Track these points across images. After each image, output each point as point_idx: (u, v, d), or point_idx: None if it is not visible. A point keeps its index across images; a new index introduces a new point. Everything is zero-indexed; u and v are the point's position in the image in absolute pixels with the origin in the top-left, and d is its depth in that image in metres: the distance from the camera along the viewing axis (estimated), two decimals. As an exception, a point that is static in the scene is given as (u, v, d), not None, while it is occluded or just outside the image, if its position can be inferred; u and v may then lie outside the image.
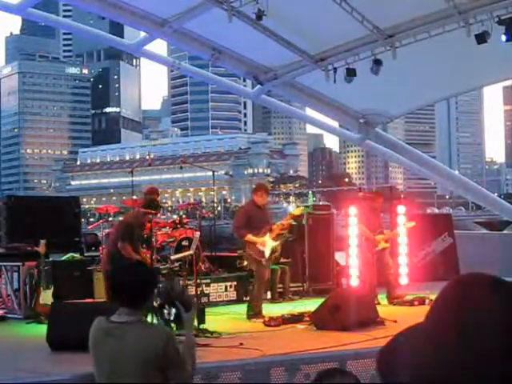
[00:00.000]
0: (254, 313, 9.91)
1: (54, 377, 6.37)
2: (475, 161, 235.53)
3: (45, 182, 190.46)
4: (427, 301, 10.55)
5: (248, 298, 10.63)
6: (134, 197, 13.62)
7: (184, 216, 13.92)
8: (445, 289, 1.17)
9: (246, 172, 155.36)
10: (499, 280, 1.15)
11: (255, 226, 10.07)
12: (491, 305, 1.10)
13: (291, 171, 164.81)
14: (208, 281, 11.57)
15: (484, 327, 1.09)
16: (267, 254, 10.08)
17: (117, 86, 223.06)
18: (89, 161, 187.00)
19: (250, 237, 9.95)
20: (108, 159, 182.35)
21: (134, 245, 9.07)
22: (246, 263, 11.63)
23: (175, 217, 20.48)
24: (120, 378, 3.88)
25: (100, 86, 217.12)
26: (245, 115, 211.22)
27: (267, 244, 10.07)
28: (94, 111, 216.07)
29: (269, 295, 11.26)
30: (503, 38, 9.18)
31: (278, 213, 66.66)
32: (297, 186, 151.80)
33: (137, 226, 9.36)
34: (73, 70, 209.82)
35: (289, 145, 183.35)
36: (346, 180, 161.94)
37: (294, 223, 12.23)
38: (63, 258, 11.94)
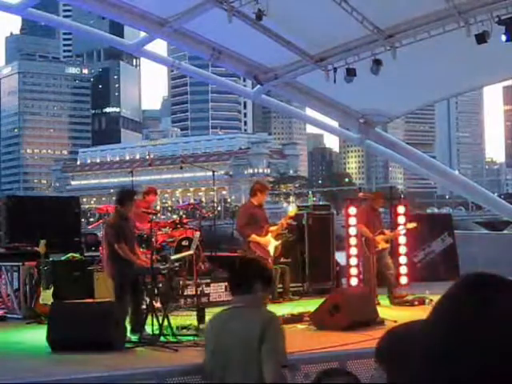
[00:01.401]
0: None
1: (54, 377, 6.37)
2: (475, 161, 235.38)
3: (45, 181, 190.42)
4: (427, 301, 10.56)
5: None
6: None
7: (184, 216, 13.90)
8: (451, 288, 1.17)
9: (246, 172, 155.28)
10: (504, 279, 1.15)
11: (258, 225, 10.10)
12: (497, 304, 1.10)
13: (291, 171, 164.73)
14: (208, 281, 11.58)
15: (490, 326, 1.09)
16: (271, 252, 10.13)
17: (117, 86, 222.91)
18: (89, 161, 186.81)
19: (254, 237, 9.96)
20: (108, 159, 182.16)
21: (128, 243, 8.88)
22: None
23: (175, 217, 20.47)
24: (230, 359, 4.48)
25: (100, 86, 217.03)
26: (245, 115, 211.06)
27: (271, 243, 10.10)
28: (93, 111, 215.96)
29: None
30: (503, 38, 9.17)
31: (278, 213, 66.70)
32: (297, 186, 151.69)
33: (121, 221, 9.09)
34: (73, 70, 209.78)
35: (289, 145, 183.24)
36: (346, 180, 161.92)
37: (293, 223, 12.24)
38: (63, 258, 11.93)
